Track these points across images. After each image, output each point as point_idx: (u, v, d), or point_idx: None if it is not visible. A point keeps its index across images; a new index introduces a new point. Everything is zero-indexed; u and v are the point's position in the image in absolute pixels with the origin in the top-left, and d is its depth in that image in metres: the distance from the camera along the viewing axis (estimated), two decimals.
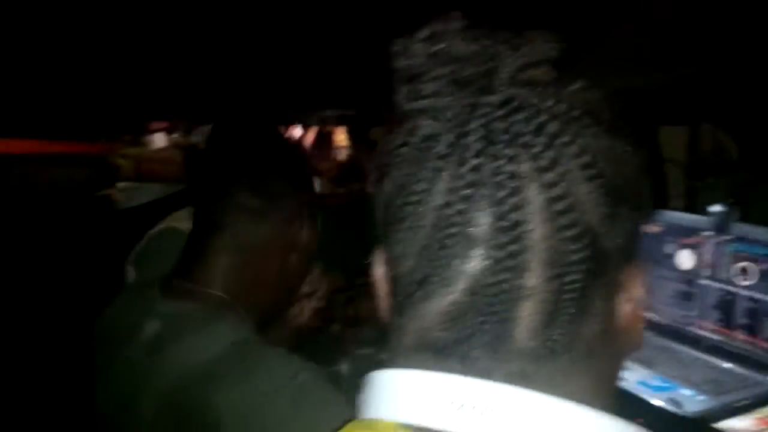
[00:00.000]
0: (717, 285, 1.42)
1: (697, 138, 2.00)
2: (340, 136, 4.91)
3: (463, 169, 0.36)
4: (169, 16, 1.57)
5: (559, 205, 0.36)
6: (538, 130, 0.37)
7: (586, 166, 0.37)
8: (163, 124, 2.90)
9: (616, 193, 0.38)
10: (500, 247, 0.35)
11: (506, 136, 0.36)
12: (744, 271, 1.37)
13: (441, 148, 0.37)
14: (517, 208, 0.35)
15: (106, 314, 0.98)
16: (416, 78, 0.38)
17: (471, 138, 0.36)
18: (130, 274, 1.27)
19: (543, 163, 0.36)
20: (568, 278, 0.36)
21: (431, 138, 0.38)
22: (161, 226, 1.29)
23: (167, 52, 1.74)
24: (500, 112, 0.37)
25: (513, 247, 0.35)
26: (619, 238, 0.39)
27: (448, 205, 0.36)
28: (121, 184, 2.05)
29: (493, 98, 0.37)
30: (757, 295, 1.34)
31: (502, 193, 0.35)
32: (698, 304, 1.46)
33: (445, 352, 0.37)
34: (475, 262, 0.36)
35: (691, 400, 1.21)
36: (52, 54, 1.70)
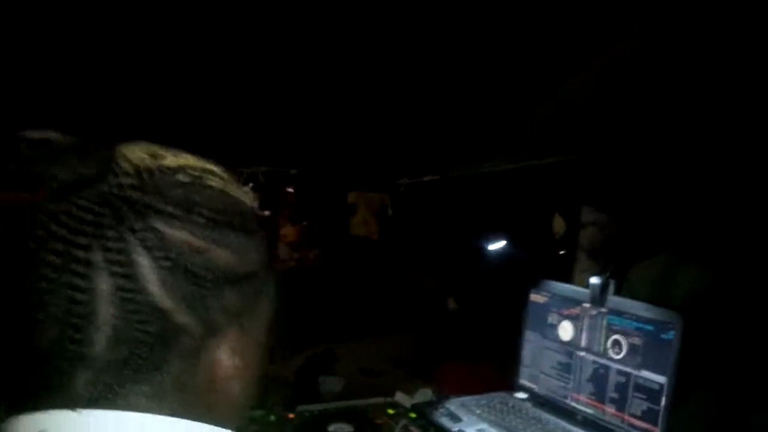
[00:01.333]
0: (592, 357, 1.43)
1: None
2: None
3: (49, 257, 0.41)
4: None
5: (126, 291, 0.41)
6: (114, 223, 0.41)
7: (158, 258, 0.42)
8: None
9: (194, 279, 0.43)
10: (71, 324, 0.41)
11: (86, 228, 0.41)
12: (617, 344, 1.39)
13: (33, 242, 0.42)
14: (87, 291, 0.40)
15: None
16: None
17: (56, 229, 0.41)
18: None
19: (113, 253, 0.41)
20: (135, 349, 0.42)
21: (30, 236, 0.42)
22: None
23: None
24: (82, 205, 0.41)
25: (81, 324, 0.41)
26: (198, 314, 0.44)
27: (35, 286, 0.41)
28: None
29: (75, 194, 0.42)
30: (626, 369, 1.35)
31: (76, 280, 0.40)
32: (575, 376, 1.46)
33: (34, 399, 0.43)
34: (50, 334, 0.41)
35: None
36: None
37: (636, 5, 1.39)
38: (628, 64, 1.61)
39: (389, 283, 4.79)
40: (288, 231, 4.74)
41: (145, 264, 0.41)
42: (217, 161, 0.51)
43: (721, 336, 1.75)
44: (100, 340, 0.41)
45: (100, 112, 1.66)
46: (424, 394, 1.72)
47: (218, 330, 0.46)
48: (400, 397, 1.73)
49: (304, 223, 4.76)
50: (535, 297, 1.59)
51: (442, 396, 1.65)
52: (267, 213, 4.71)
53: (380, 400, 1.73)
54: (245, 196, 0.51)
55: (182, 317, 0.43)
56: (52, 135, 0.43)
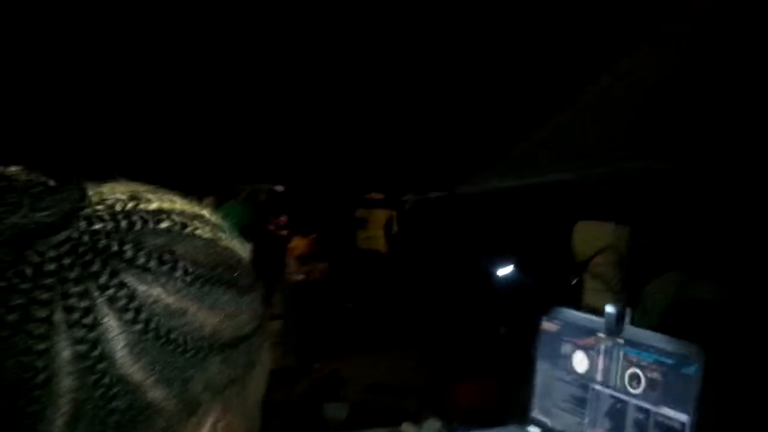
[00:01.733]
0: (608, 391, 1.35)
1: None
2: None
3: (3, 313, 0.33)
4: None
5: (89, 359, 0.34)
6: (79, 276, 0.34)
7: (127, 320, 0.35)
8: None
9: (170, 346, 0.36)
10: (24, 394, 0.33)
11: (47, 281, 0.34)
12: (635, 378, 1.31)
13: None
14: (44, 356, 0.33)
15: None
16: None
17: (15, 281, 0.34)
18: None
19: (76, 313, 0.34)
20: (98, 429, 0.34)
21: None
22: None
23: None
24: (44, 253, 0.34)
25: (36, 395, 0.33)
26: (175, 388, 0.36)
27: None
28: None
29: (38, 240, 0.35)
30: (646, 406, 1.27)
31: (31, 341, 0.33)
32: (591, 410, 1.38)
33: None
34: (2, 404, 0.34)
35: None
36: None
37: (644, 21, 1.33)
38: (641, 75, 1.54)
39: (396, 297, 4.73)
40: (298, 243, 4.68)
41: (112, 327, 0.34)
42: (225, 179, 0.44)
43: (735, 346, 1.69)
44: (57, 417, 0.34)
45: (87, 137, 1.62)
46: (433, 426, 1.65)
47: (199, 407, 0.38)
48: (406, 427, 1.66)
49: (314, 235, 4.69)
50: (546, 325, 1.51)
51: (451, 428, 1.58)
52: (285, 233, 4.67)
53: (386, 430, 1.66)
54: (239, 247, 0.43)
55: (155, 392, 0.36)
56: (10, 171, 0.36)
